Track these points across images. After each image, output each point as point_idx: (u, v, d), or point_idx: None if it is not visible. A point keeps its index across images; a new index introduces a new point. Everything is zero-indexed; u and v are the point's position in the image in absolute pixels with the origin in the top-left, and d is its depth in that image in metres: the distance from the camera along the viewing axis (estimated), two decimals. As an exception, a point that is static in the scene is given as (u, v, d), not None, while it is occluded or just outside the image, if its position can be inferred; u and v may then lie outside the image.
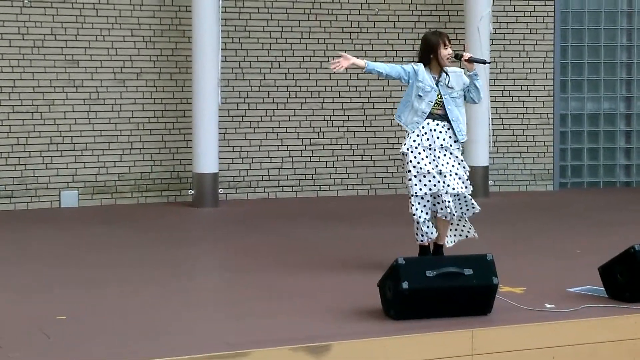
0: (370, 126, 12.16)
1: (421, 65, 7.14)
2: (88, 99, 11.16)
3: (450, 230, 7.35)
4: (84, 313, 6.12)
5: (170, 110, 11.52)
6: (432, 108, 7.09)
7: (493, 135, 12.03)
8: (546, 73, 12.61)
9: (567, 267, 7.62)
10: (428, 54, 7.14)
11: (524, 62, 12.54)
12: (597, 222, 10.18)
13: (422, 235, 7.23)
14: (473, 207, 7.23)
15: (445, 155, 7.11)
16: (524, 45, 12.53)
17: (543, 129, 12.60)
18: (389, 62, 11.01)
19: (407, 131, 7.18)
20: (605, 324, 5.88)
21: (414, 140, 7.11)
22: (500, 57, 12.42)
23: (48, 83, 10.98)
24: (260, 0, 11.80)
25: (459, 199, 7.18)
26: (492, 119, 11.92)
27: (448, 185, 7.08)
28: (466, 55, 7.15)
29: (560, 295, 6.48)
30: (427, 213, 7.16)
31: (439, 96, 7.10)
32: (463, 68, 7.26)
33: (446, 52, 7.10)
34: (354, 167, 12.13)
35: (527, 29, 12.53)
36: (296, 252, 8.32)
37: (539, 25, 12.55)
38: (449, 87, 7.13)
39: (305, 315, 6.05)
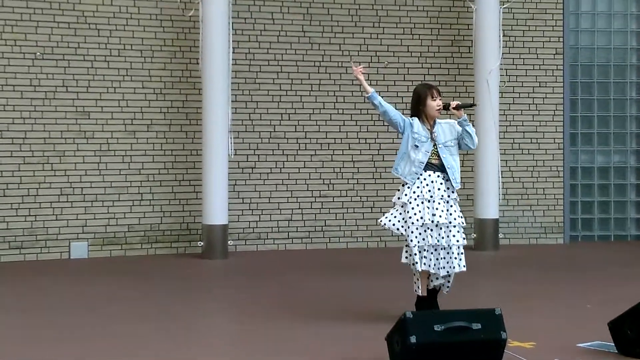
0: (380, 178, 12.17)
1: (416, 119, 7.32)
2: (99, 150, 11.22)
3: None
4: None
5: (181, 161, 11.56)
6: (430, 157, 7.24)
7: (503, 188, 12.01)
8: (556, 126, 12.63)
9: (577, 322, 7.57)
10: (417, 106, 7.34)
11: (533, 115, 12.57)
12: (608, 276, 10.11)
13: (416, 286, 7.33)
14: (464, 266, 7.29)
15: (444, 207, 7.23)
16: (533, 98, 12.56)
17: (553, 182, 12.59)
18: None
19: (405, 183, 7.28)
20: (616, 380, 5.83)
21: (414, 192, 7.24)
22: (509, 110, 12.45)
23: (59, 134, 11.05)
24: (271, 53, 11.89)
25: (461, 252, 7.24)
26: (501, 171, 11.92)
27: (454, 237, 7.19)
28: (453, 103, 7.34)
29: (570, 350, 6.43)
30: (424, 264, 7.19)
31: (434, 146, 7.25)
32: (453, 118, 7.39)
33: (434, 103, 7.29)
34: (363, 219, 12.12)
35: (536, 82, 12.57)
36: (305, 304, 8.29)
37: (548, 79, 12.60)
38: (440, 138, 7.27)
39: (313, 369, 6.02)
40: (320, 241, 12.00)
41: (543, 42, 12.60)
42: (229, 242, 11.25)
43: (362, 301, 8.47)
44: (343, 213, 12.09)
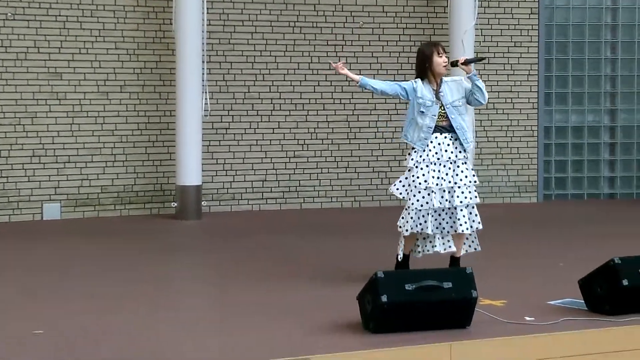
0: (355, 138, 12.16)
1: (419, 81, 7.20)
2: (71, 112, 11.13)
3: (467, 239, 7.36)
4: (62, 328, 6.08)
5: (154, 122, 11.50)
6: (437, 121, 7.14)
7: (477, 148, 12.03)
8: (530, 86, 12.63)
9: (548, 280, 7.61)
10: (424, 65, 7.19)
11: (508, 74, 12.56)
12: (580, 234, 10.17)
13: (400, 249, 7.29)
14: (478, 223, 7.26)
15: (450, 168, 7.15)
16: (508, 58, 12.55)
17: (527, 142, 12.62)
18: (374, 75, 11.08)
19: (413, 147, 7.20)
20: (584, 337, 5.88)
21: (420, 156, 7.14)
22: (484, 69, 12.41)
23: (31, 95, 10.95)
24: (245, 13, 11.80)
25: (469, 212, 7.19)
26: (476, 131, 11.92)
27: (457, 197, 7.13)
28: (461, 59, 7.26)
29: (541, 308, 6.48)
30: (415, 228, 7.14)
31: (442, 108, 7.14)
32: (461, 76, 7.28)
33: (441, 60, 7.17)
34: (338, 179, 12.12)
35: (511, 42, 12.55)
36: (279, 265, 8.31)
37: (523, 39, 12.58)
38: (448, 97, 7.15)
39: (286, 329, 6.03)
40: (295, 201, 11.99)
41: (518, 1, 12.56)
42: (202, 202, 11.23)
43: (336, 261, 8.49)
44: (317, 173, 12.08)
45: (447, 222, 7.21)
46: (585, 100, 12.87)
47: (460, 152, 7.17)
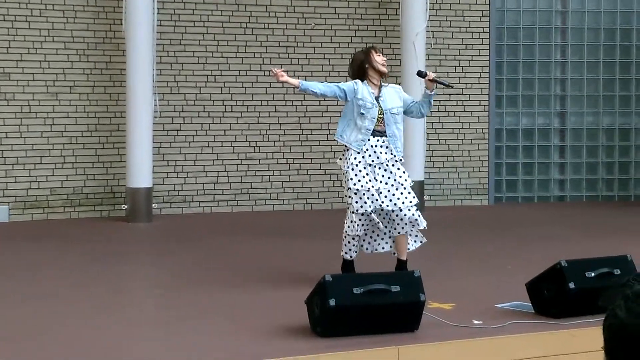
0: (306, 140, 12.14)
1: (359, 82, 7.17)
2: (20, 113, 11.01)
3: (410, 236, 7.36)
4: (10, 330, 6.00)
5: (104, 124, 11.40)
6: (375, 124, 7.11)
7: (429, 150, 12.07)
8: (482, 88, 12.70)
9: (498, 283, 7.65)
10: (363, 67, 7.17)
11: (459, 77, 12.60)
12: (530, 237, 10.23)
13: (348, 252, 7.28)
14: (417, 222, 7.25)
15: (386, 170, 7.14)
16: (459, 60, 12.60)
17: (478, 144, 12.68)
18: (325, 77, 11.08)
19: (346, 147, 7.17)
20: (531, 340, 5.91)
21: (355, 158, 7.12)
22: (436, 72, 12.30)
23: (-22, 96, 10.83)
24: (196, 14, 11.75)
25: (409, 212, 7.19)
26: (427, 133, 11.96)
27: (398, 199, 7.11)
28: (431, 75, 7.27)
29: (489, 311, 6.50)
30: (361, 231, 7.15)
31: (380, 112, 7.12)
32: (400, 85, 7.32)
33: (380, 58, 7.16)
34: (289, 181, 12.10)
35: (462, 44, 12.61)
36: (229, 268, 8.26)
37: (474, 41, 12.64)
38: (387, 103, 7.15)
39: (234, 333, 6.01)
40: (246, 204, 11.95)
41: (469, 4, 12.62)
42: (153, 205, 11.15)
43: (287, 264, 8.47)
44: (269, 175, 12.05)
45: (386, 225, 7.21)
46: (535, 102, 12.97)
47: (394, 155, 7.18)
